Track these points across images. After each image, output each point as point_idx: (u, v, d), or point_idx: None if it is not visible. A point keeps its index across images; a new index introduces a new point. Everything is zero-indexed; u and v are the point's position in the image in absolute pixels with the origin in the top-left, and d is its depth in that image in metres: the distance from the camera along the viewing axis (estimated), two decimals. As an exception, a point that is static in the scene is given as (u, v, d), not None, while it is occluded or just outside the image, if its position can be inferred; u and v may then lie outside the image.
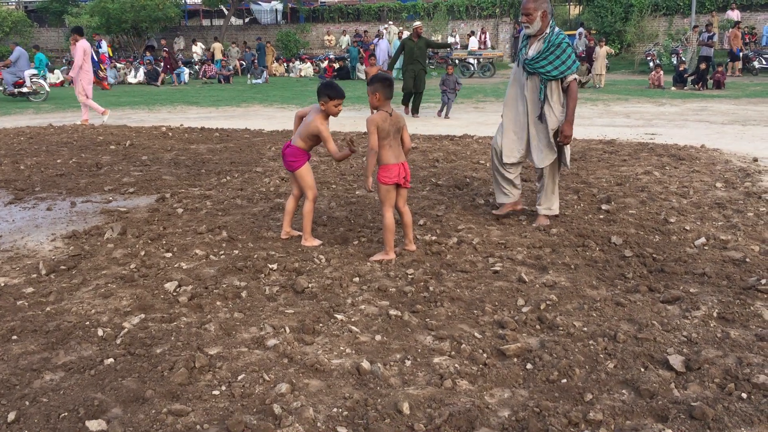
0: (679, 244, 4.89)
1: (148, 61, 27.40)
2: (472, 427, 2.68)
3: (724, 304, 3.80)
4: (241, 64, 29.84)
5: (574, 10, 35.56)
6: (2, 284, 4.33)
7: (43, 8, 38.95)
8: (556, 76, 5.10)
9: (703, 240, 4.93)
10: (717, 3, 31.57)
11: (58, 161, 8.63)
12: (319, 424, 2.72)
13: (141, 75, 26.44)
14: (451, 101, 13.67)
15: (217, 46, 29.64)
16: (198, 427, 2.71)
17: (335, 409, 2.83)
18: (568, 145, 5.31)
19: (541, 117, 5.19)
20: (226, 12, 37.45)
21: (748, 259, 4.52)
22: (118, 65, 27.37)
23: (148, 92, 22.01)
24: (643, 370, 3.10)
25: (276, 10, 38.39)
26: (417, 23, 14.50)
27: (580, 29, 29.24)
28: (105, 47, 22.89)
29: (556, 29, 5.14)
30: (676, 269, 4.35)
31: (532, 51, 5.15)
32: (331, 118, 5.08)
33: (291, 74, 29.72)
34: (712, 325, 3.56)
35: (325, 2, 41.02)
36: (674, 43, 28.14)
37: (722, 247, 4.81)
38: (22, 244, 5.25)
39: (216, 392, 2.98)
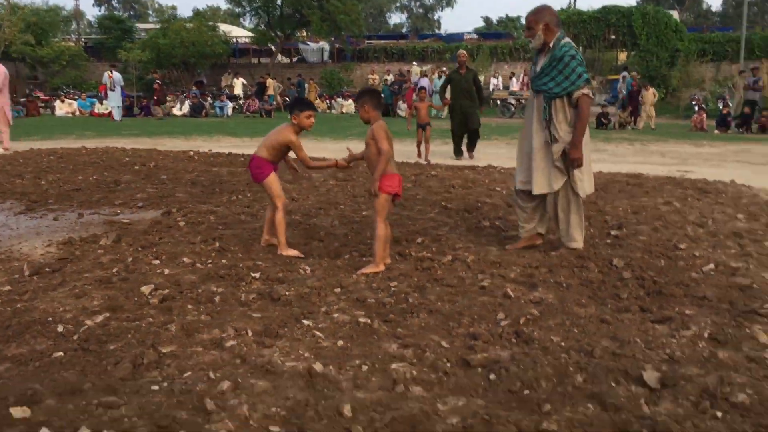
0: (685, 269, 4.62)
1: (193, 95, 28.02)
2: (413, 432, 2.49)
3: (718, 325, 3.53)
4: (285, 100, 30.26)
5: (622, 56, 35.23)
6: (-18, 281, 4.31)
7: (99, 43, 40.35)
8: (558, 93, 4.77)
9: (711, 266, 4.64)
10: (766, 49, 30.95)
11: (79, 178, 8.75)
12: (251, 422, 2.57)
13: (186, 108, 27.01)
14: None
15: (270, 83, 30.14)
16: (125, 419, 2.58)
17: (274, 409, 2.67)
18: (580, 170, 4.88)
19: (550, 139, 4.88)
20: (273, 50, 38.23)
21: (755, 286, 4.22)
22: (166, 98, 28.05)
23: (191, 123, 22.42)
24: (613, 384, 2.87)
25: (323, 49, 39.01)
26: (461, 51, 12.36)
27: (624, 72, 28.95)
28: (105, 77, 23.26)
29: (562, 41, 4.80)
30: (675, 292, 4.09)
31: (539, 67, 4.93)
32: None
33: (333, 110, 30.01)
34: (700, 345, 3.30)
35: (371, 43, 41.60)
36: (721, 89, 27.63)
37: (730, 273, 4.52)
38: (17, 249, 5.26)
39: (155, 387, 2.85)
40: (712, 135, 18.86)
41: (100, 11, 44.19)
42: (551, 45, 4.82)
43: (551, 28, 4.80)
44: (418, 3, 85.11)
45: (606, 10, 31.76)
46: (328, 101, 30.95)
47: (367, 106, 4.64)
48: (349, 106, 29.24)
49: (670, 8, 47.15)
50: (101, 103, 26.26)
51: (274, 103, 28.58)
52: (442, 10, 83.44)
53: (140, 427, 2.53)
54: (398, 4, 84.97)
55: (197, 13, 37.46)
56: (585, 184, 4.93)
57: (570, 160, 4.80)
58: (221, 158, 11.18)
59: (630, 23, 31.29)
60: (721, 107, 22.71)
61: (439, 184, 8.33)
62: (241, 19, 42.87)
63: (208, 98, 29.21)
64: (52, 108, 27.40)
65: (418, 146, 11.79)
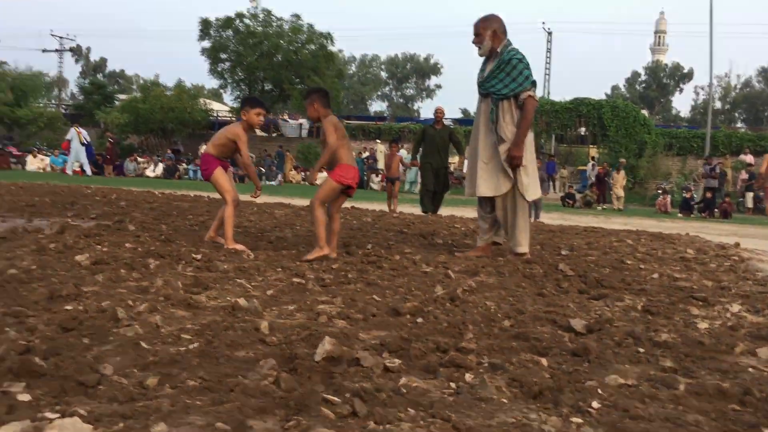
0: (629, 275, 4.62)
1: (168, 158, 28.13)
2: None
3: (652, 302, 3.52)
4: (260, 170, 30.48)
5: (593, 151, 36.13)
6: None
7: (80, 107, 40.70)
8: (506, 95, 4.89)
9: (656, 276, 4.66)
10: (731, 147, 32.03)
11: (36, 199, 8.65)
12: (162, 331, 2.47)
13: (160, 170, 27.05)
14: (540, 203, 11.23)
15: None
16: (33, 326, 2.46)
17: (189, 325, 2.59)
18: (526, 174, 4.96)
19: (497, 140, 4.97)
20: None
21: (695, 287, 4.23)
22: (139, 159, 28.13)
23: (163, 182, 22.40)
24: (540, 327, 2.83)
25: (301, 126, 39.64)
26: (438, 106, 11.52)
27: (592, 161, 29.73)
28: (72, 133, 23.37)
29: (510, 47, 4.97)
30: (615, 285, 4.08)
31: (486, 72, 5.06)
32: None
33: (305, 182, 30.24)
34: (632, 313, 3.28)
35: (350, 123, 42.36)
36: (686, 181, 28.38)
37: (673, 279, 4.54)
38: (-43, 233, 5.13)
39: (68, 307, 2.75)
40: (675, 217, 19.23)
41: (86, 83, 44.42)
42: (499, 51, 4.97)
43: (498, 35, 4.98)
44: (398, 93, 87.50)
45: (577, 102, 32.80)
46: (303, 173, 31.21)
47: (316, 104, 4.71)
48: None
49: (641, 109, 48.74)
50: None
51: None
52: (422, 101, 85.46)
53: (43, 327, 2.42)
54: (379, 93, 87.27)
55: (178, 84, 38.00)
56: (530, 188, 4.98)
57: (510, 158, 4.86)
58: (185, 199, 11.14)
59: (600, 115, 32.28)
60: (685, 195, 23.29)
61: (400, 221, 8.35)
62: (223, 92, 43.57)
63: (183, 163, 29.33)
64: (24, 163, 27.28)
65: (388, 200, 11.83)
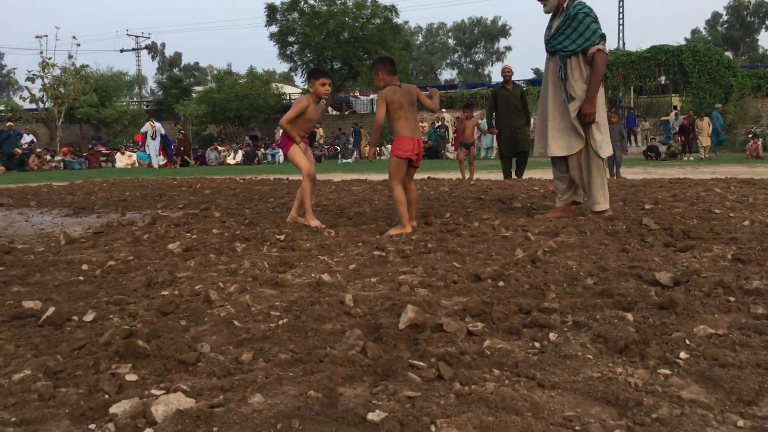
0: (717, 224, 4.48)
1: (247, 145, 28.77)
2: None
3: (743, 250, 3.40)
4: (336, 149, 30.82)
5: (675, 101, 34.71)
6: (19, 248, 4.47)
7: (159, 102, 42.08)
8: (574, 50, 4.76)
9: (746, 223, 4.49)
10: (825, 81, 30.22)
11: (126, 194, 9.05)
12: (252, 309, 2.59)
13: (240, 157, 27.72)
14: (619, 159, 11.27)
15: (318, 132, 30.94)
16: (134, 312, 2.62)
17: (277, 303, 2.69)
18: (599, 131, 4.85)
19: (566, 98, 4.88)
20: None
21: (791, 231, 4.06)
22: (219, 148, 28.89)
23: (243, 169, 22.98)
24: (624, 283, 2.80)
25: (372, 101, 39.76)
26: (506, 65, 10.95)
27: (674, 110, 28.65)
28: (147, 127, 24.22)
29: (576, 1, 4.82)
30: (703, 236, 3.96)
31: (553, 29, 4.95)
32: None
33: (382, 157, 30.38)
34: (721, 263, 3.19)
35: (421, 93, 42.17)
36: (778, 122, 27.01)
37: (766, 225, 4.36)
38: (58, 231, 5.45)
39: (165, 293, 2.91)
40: (768, 161, 18.35)
41: (163, 78, 45.96)
42: (565, 6, 4.84)
43: None
44: (468, 59, 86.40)
45: (655, 50, 31.54)
46: (378, 148, 31.39)
47: (381, 73, 4.70)
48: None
49: (724, 51, 46.50)
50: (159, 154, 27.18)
51: (324, 149, 29.13)
52: (492, 65, 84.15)
53: (143, 312, 2.57)
54: (448, 61, 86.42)
55: (250, 71, 38.68)
56: (605, 145, 4.87)
57: (583, 115, 4.76)
58: (266, 183, 11.40)
59: (680, 62, 31.00)
60: (777, 138, 22.19)
61: (477, 188, 8.32)
62: (294, 75, 44.09)
63: (261, 148, 29.94)
64: (113, 161, 28.46)
65: (461, 165, 11.75)
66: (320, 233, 4.62)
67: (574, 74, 4.81)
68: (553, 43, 4.90)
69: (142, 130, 25.19)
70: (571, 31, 4.77)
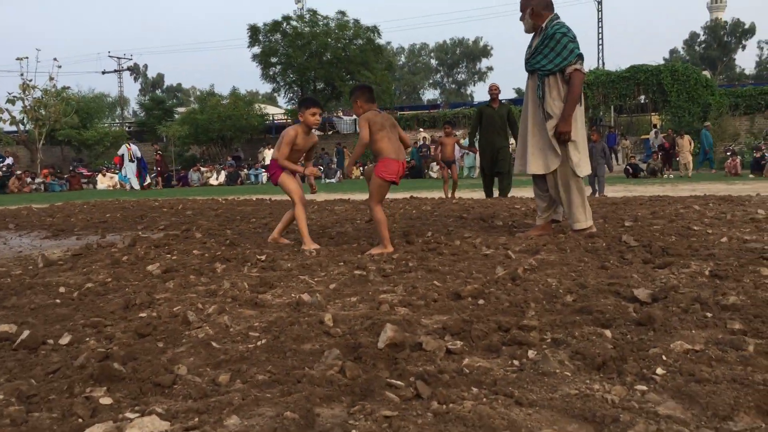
0: (696, 241, 4.51)
1: (230, 165, 28.73)
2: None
3: (720, 266, 3.43)
4: (319, 168, 30.83)
5: (655, 119, 35.06)
6: (-2, 269, 4.42)
7: (142, 124, 41.99)
8: (551, 70, 4.81)
9: (724, 239, 4.53)
10: (803, 98, 30.70)
11: (107, 215, 8.99)
12: (231, 330, 2.57)
13: (222, 177, 27.67)
14: (602, 176, 11.24)
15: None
16: (111, 334, 2.60)
17: (256, 323, 2.67)
18: (576, 150, 4.86)
19: (545, 117, 4.91)
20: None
21: (766, 247, 4.10)
22: (202, 169, 28.83)
23: (226, 189, 22.92)
24: (603, 300, 2.81)
25: (355, 121, 39.93)
26: (493, 84, 10.86)
27: (654, 129, 28.99)
28: (123, 149, 24.30)
29: (555, 21, 4.87)
30: (682, 252, 3.99)
31: (533, 48, 5.00)
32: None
33: (363, 176, 30.48)
34: (699, 279, 3.21)
35: (403, 114, 42.37)
36: (756, 140, 27.35)
37: (743, 241, 4.41)
38: (36, 253, 5.39)
39: (143, 315, 2.88)
40: (746, 178, 18.59)
41: (145, 100, 45.98)
42: (543, 26, 4.90)
43: (537, 12, 4.90)
44: (450, 79, 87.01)
45: (634, 69, 31.93)
46: (360, 168, 31.41)
47: (359, 101, 4.75)
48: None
49: (702, 71, 47.09)
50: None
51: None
52: (474, 85, 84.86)
53: (120, 334, 2.55)
54: (431, 81, 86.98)
55: (233, 92, 38.74)
56: (582, 164, 4.90)
57: (557, 133, 4.79)
58: (248, 203, 11.37)
59: (659, 81, 31.41)
60: (756, 155, 22.46)
61: (459, 207, 8.34)
62: (277, 95, 44.15)
63: (244, 169, 29.92)
64: (94, 183, 28.31)
65: (445, 185, 11.79)
66: (301, 253, 4.61)
67: (552, 93, 4.85)
68: (531, 62, 4.95)
69: (119, 152, 25.13)
70: (548, 51, 4.82)
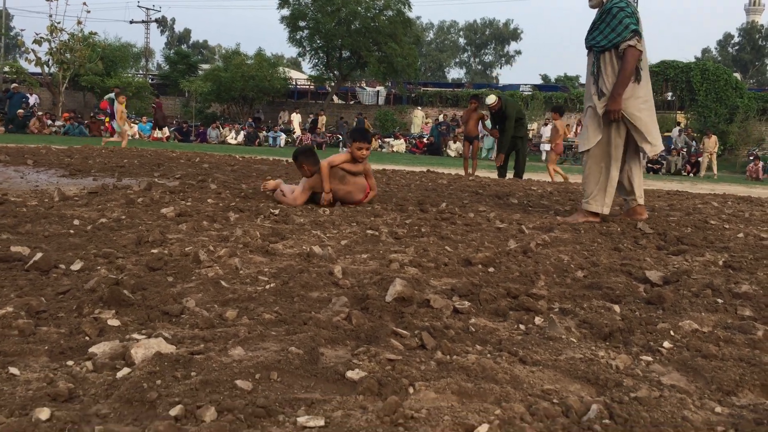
0: (712, 234, 4.48)
1: (249, 126, 28.72)
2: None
3: (735, 257, 3.41)
4: (338, 137, 30.78)
5: (680, 117, 34.62)
6: (12, 200, 4.45)
7: (165, 76, 41.96)
8: (605, 46, 4.66)
9: (741, 235, 4.49)
10: (832, 105, 30.26)
11: (125, 161, 9.02)
12: (240, 272, 2.58)
13: (241, 137, 27.68)
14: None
15: (321, 119, 31.05)
16: (122, 266, 2.61)
17: (266, 269, 2.68)
18: (645, 125, 4.66)
19: (598, 94, 4.72)
20: (329, 90, 39.06)
21: (784, 245, 4.06)
22: (221, 126, 28.85)
23: (243, 149, 22.94)
24: (614, 278, 2.80)
25: (378, 93, 39.73)
26: (491, 101, 10.93)
27: (677, 127, 28.70)
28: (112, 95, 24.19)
29: None
30: (697, 242, 3.96)
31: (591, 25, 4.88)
32: None
33: (383, 149, 30.35)
34: (712, 268, 3.19)
35: (427, 90, 42.13)
36: (781, 146, 27.05)
37: (760, 238, 4.37)
38: (52, 188, 5.42)
39: (154, 251, 2.90)
40: (767, 183, 18.39)
41: (171, 53, 45.98)
42: (604, 1, 4.75)
43: None
44: (477, 60, 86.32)
45: (664, 65, 31.55)
46: (380, 140, 31.32)
47: (305, 166, 5.10)
48: (400, 145, 29.57)
49: (733, 72, 46.46)
50: (157, 129, 27.16)
51: (326, 137, 29.13)
52: (500, 68, 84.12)
53: (131, 266, 2.56)
54: (457, 60, 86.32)
55: (259, 52, 38.56)
56: (654, 140, 4.73)
57: (607, 112, 4.65)
58: (265, 162, 11.37)
59: (688, 78, 31.04)
60: (779, 161, 22.25)
61: (476, 183, 8.31)
62: (302, 60, 43.97)
63: (263, 131, 29.92)
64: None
65: (465, 162, 11.74)
66: (315, 211, 4.62)
67: (607, 70, 4.71)
68: (588, 39, 4.85)
69: (106, 97, 25.05)
70: (604, 27, 4.67)
